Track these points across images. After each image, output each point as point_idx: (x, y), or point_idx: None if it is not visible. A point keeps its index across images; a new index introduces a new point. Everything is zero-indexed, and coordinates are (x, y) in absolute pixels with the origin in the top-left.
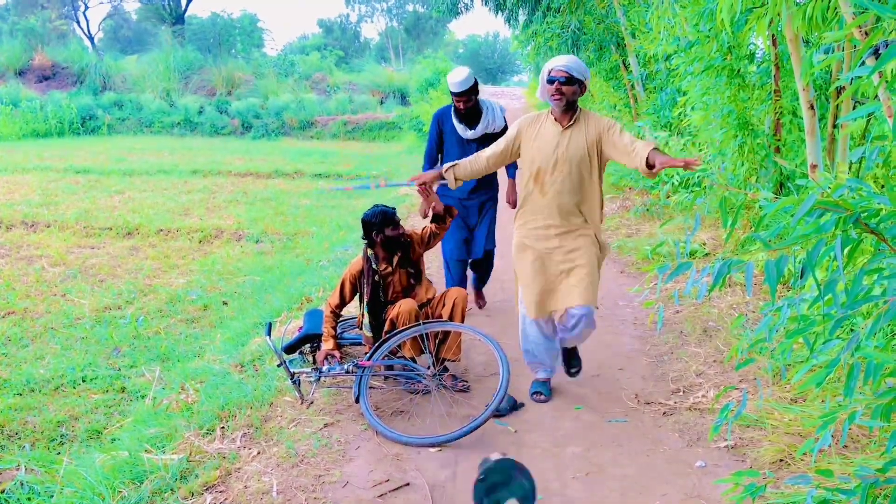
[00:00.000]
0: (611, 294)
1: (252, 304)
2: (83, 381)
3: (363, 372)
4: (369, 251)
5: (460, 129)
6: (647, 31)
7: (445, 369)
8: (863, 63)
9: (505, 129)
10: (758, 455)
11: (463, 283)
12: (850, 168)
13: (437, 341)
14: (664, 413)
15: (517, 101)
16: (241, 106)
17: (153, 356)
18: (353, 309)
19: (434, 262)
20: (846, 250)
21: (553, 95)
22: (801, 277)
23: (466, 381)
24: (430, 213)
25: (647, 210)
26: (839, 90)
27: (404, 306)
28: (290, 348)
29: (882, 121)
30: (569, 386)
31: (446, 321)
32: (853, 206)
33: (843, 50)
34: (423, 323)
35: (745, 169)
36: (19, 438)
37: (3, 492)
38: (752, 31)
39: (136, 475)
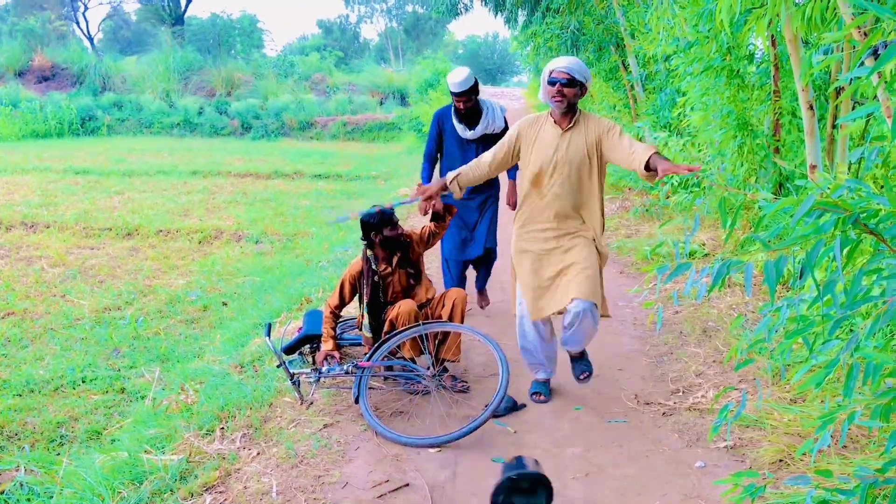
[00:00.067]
0: (610, 294)
1: (252, 304)
2: (83, 381)
3: (363, 372)
4: (368, 252)
5: (460, 129)
6: (647, 32)
7: (445, 370)
8: (862, 64)
9: (505, 129)
10: (757, 455)
11: (462, 283)
12: (849, 168)
13: (436, 342)
14: (664, 413)
15: (517, 102)
16: (241, 107)
17: (153, 357)
18: (352, 309)
19: (434, 263)
20: (845, 251)
21: (554, 97)
22: (801, 278)
23: (466, 382)
24: (430, 212)
25: (647, 210)
26: (838, 91)
27: (404, 307)
28: (289, 349)
29: (881, 121)
30: (568, 386)
31: (446, 322)
32: (852, 206)
33: (842, 50)
34: (423, 323)
35: (745, 169)
36: (19, 439)
37: (2, 493)
38: (751, 31)
39: (136, 476)
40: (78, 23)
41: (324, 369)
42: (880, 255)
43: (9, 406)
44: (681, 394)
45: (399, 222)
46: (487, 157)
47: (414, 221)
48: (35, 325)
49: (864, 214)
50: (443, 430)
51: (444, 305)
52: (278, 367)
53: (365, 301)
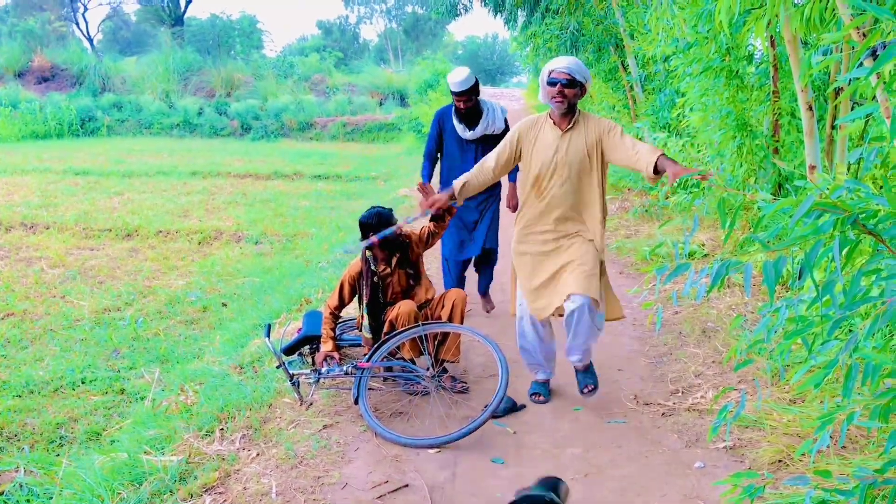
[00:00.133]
0: None
1: (251, 305)
2: (82, 382)
3: (362, 373)
4: (368, 252)
5: (460, 129)
6: (646, 33)
7: (444, 370)
8: (860, 64)
9: (505, 130)
10: (756, 456)
11: (462, 284)
12: (848, 169)
13: (436, 342)
14: (663, 414)
15: (516, 103)
16: (241, 107)
17: (152, 358)
18: (352, 310)
19: (433, 263)
20: (844, 251)
21: (555, 98)
22: (800, 278)
23: (465, 383)
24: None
25: (646, 211)
26: (837, 91)
27: (403, 307)
28: (289, 350)
29: (880, 122)
30: (568, 387)
31: (445, 322)
32: (851, 207)
33: (841, 51)
34: (423, 324)
35: (744, 170)
36: (18, 440)
37: (2, 493)
38: (750, 32)
39: (136, 477)
40: (77, 23)
41: (323, 370)
42: (879, 256)
43: (8, 407)
44: (680, 394)
45: (398, 223)
46: (490, 161)
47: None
48: (35, 325)
49: (863, 215)
50: (442, 430)
51: (443, 306)
52: (278, 367)
53: (364, 302)
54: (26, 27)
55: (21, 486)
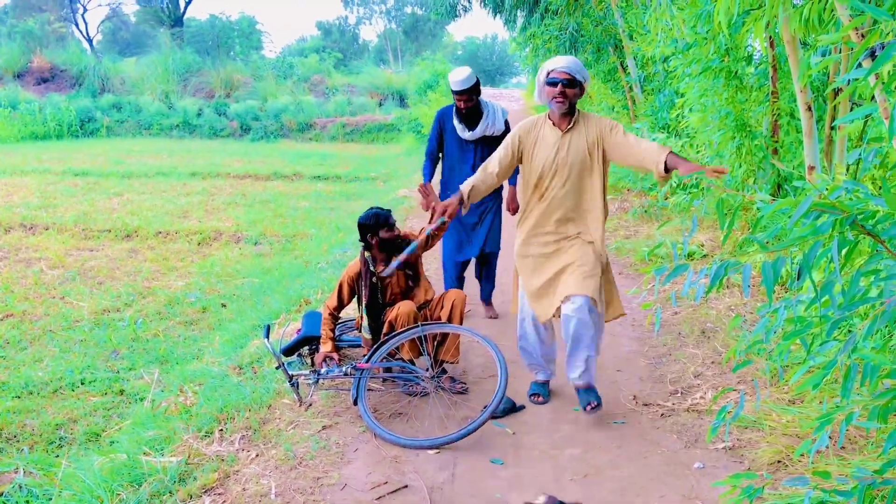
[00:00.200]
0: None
1: (251, 306)
2: (82, 383)
3: (361, 374)
4: (366, 253)
5: (459, 129)
6: (645, 33)
7: (444, 371)
8: (859, 65)
9: (505, 133)
10: (756, 456)
11: (461, 285)
12: (847, 169)
13: (435, 343)
14: (662, 414)
15: (516, 103)
16: (240, 108)
17: (152, 358)
18: (351, 311)
19: (433, 264)
20: (843, 252)
21: (555, 98)
22: (799, 279)
23: (465, 383)
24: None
25: (646, 211)
26: (836, 92)
27: (403, 308)
28: (288, 350)
29: (879, 122)
30: (567, 388)
31: (445, 323)
32: (850, 207)
33: (840, 52)
34: (422, 325)
35: (743, 170)
36: (18, 441)
37: (1, 495)
38: (749, 32)
39: (135, 478)
40: (77, 24)
41: (323, 371)
42: (878, 257)
43: (8, 408)
44: (679, 395)
45: (396, 224)
46: (493, 166)
47: (413, 223)
48: (34, 326)
49: (862, 216)
50: (441, 431)
51: (443, 307)
52: (277, 368)
53: (363, 303)
54: (26, 28)
55: (20, 487)
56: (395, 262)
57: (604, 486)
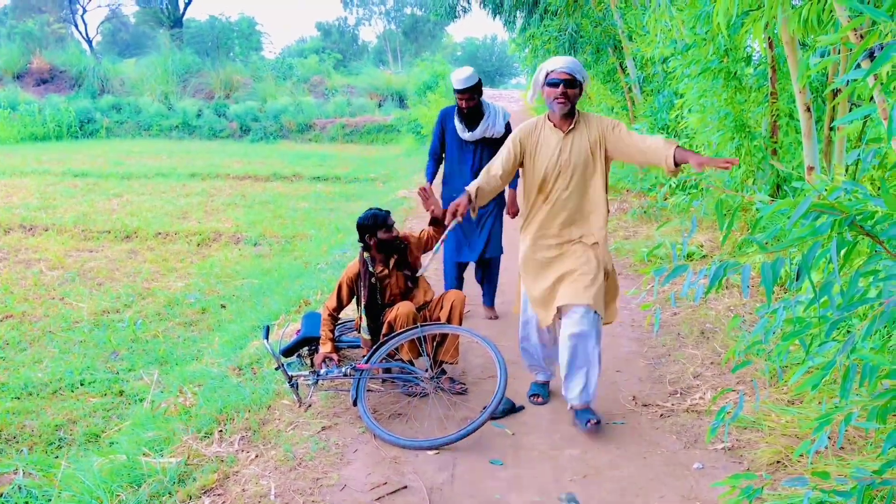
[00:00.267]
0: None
1: (250, 307)
2: (81, 384)
3: (361, 375)
4: (365, 254)
5: (459, 128)
6: (644, 34)
7: (443, 372)
8: (858, 66)
9: (505, 136)
10: (755, 457)
11: (460, 286)
12: (846, 170)
13: (434, 344)
14: (661, 415)
15: (515, 104)
16: (240, 109)
17: (151, 359)
18: (351, 312)
19: (433, 265)
20: (842, 252)
21: (557, 99)
22: (798, 279)
23: (464, 384)
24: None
25: (645, 212)
26: (835, 92)
27: (402, 309)
28: (287, 351)
29: (878, 123)
30: None
31: (444, 324)
32: (849, 208)
33: (838, 53)
34: (421, 325)
35: (742, 171)
36: (17, 442)
37: (1, 495)
38: (748, 33)
39: (134, 479)
40: (76, 25)
41: (322, 372)
42: (877, 257)
43: (7, 409)
44: (678, 395)
45: (395, 225)
46: (496, 168)
47: (413, 224)
48: (33, 327)
49: (861, 216)
50: (441, 432)
51: (442, 307)
52: (277, 369)
53: (362, 303)
54: (25, 29)
55: (20, 488)
56: (426, 262)
57: (603, 487)
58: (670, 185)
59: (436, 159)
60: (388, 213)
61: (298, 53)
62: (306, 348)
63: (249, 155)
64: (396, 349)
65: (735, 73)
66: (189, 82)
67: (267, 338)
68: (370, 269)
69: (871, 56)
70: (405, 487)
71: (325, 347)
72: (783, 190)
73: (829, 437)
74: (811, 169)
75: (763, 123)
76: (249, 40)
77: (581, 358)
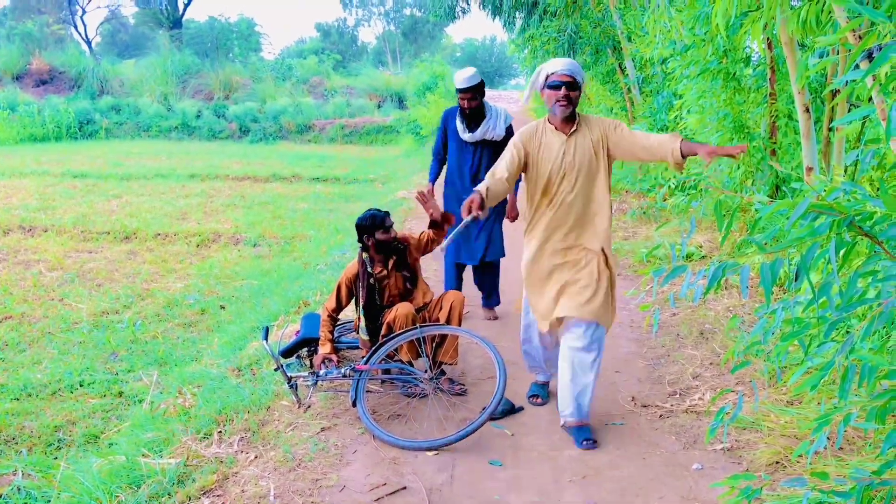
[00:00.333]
0: None
1: (249, 308)
2: (80, 385)
3: (360, 376)
4: (364, 255)
5: (460, 129)
6: (644, 35)
7: (442, 373)
8: (857, 66)
9: (505, 139)
10: (754, 457)
11: (459, 287)
12: (845, 171)
13: (433, 345)
14: (661, 416)
15: (514, 105)
16: (239, 110)
17: (151, 360)
18: (351, 313)
19: (432, 265)
20: (841, 253)
21: (559, 101)
22: (797, 280)
23: (463, 385)
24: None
25: (644, 213)
26: (834, 93)
27: (401, 310)
28: (287, 352)
29: (877, 123)
30: None
31: (443, 325)
32: (848, 209)
33: (837, 53)
34: (420, 326)
35: (741, 172)
36: (16, 443)
37: (0, 496)
38: (747, 34)
39: (134, 480)
40: (76, 26)
41: (321, 372)
42: (876, 258)
43: (6, 410)
44: (678, 396)
45: (393, 226)
46: (501, 171)
47: (412, 225)
48: (33, 328)
49: (860, 217)
50: (440, 433)
51: (441, 308)
52: (276, 370)
53: (361, 304)
54: (24, 30)
55: (19, 489)
56: (446, 240)
57: (603, 487)
58: (669, 186)
59: (439, 159)
60: (386, 213)
61: (298, 54)
62: (305, 349)
63: (249, 156)
64: (396, 350)
65: (734, 74)
66: (188, 83)
67: (266, 339)
68: (369, 269)
69: (869, 57)
70: (404, 488)
71: (324, 348)
72: (782, 190)
73: (828, 438)
74: (810, 169)
75: (762, 124)
76: (249, 41)
77: (580, 374)
